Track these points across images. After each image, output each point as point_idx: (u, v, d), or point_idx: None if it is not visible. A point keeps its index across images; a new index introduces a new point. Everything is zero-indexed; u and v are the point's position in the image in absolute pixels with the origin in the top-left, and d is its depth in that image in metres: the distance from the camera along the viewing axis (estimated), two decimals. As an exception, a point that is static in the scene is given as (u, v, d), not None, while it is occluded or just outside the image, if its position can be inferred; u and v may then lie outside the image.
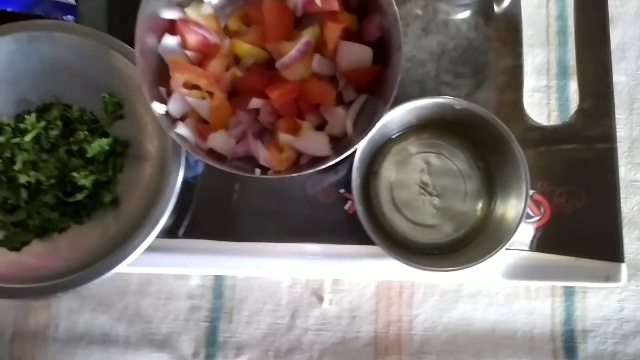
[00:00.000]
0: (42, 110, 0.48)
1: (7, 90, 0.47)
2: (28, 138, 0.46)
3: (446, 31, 0.51)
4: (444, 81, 0.51)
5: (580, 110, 0.48)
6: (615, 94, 0.51)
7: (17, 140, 0.46)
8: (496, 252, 0.42)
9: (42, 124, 0.47)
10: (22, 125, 0.47)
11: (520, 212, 0.43)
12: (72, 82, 0.48)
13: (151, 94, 0.42)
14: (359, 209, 0.44)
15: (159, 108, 0.42)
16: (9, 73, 0.47)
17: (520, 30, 0.51)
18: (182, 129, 0.43)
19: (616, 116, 0.50)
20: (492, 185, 0.47)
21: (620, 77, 0.52)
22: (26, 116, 0.47)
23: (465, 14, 0.52)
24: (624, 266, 0.45)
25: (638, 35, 0.53)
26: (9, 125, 0.47)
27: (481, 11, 0.52)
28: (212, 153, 0.44)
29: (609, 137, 0.47)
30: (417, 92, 0.50)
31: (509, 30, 0.51)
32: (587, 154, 0.47)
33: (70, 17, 0.49)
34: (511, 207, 0.44)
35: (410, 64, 0.51)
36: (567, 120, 0.49)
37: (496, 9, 0.52)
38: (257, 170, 0.42)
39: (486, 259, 0.43)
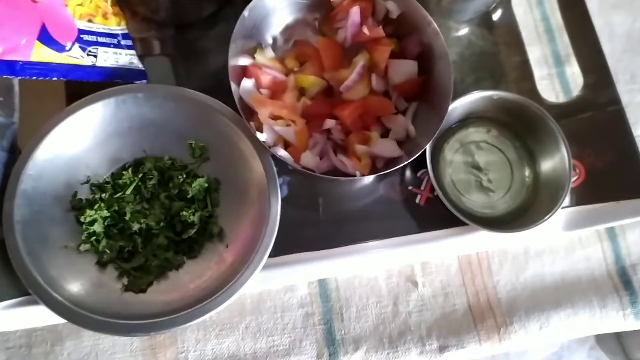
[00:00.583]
0: (136, 165, 0.52)
1: (101, 152, 0.51)
2: (129, 191, 0.50)
3: (461, 43, 0.61)
4: (469, 84, 0.60)
5: (586, 85, 0.59)
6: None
7: (119, 195, 0.50)
8: (557, 208, 0.51)
9: (139, 176, 0.51)
10: (120, 181, 0.51)
11: (567, 169, 0.51)
12: (159, 135, 0.52)
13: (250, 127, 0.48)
14: (440, 193, 0.51)
15: (261, 136, 0.48)
16: (101, 136, 0.51)
17: (519, 32, 0.62)
18: (281, 152, 0.49)
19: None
20: (533, 158, 0.56)
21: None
22: (124, 172, 0.51)
23: (472, 28, 0.62)
24: (654, 198, 0.54)
25: (605, 24, 0.65)
26: (107, 183, 0.51)
27: (483, 23, 0.62)
28: (305, 169, 0.50)
29: (615, 100, 0.58)
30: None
31: (509, 33, 0.62)
32: (602, 116, 0.57)
33: (143, 82, 0.54)
34: (556, 170, 0.53)
35: (439, 72, 0.60)
36: (579, 93, 0.59)
37: (495, 19, 0.62)
38: (358, 172, 0.49)
39: (549, 216, 0.51)
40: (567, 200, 0.54)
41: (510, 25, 0.62)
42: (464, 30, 0.62)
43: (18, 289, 0.45)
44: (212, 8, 0.58)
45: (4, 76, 0.46)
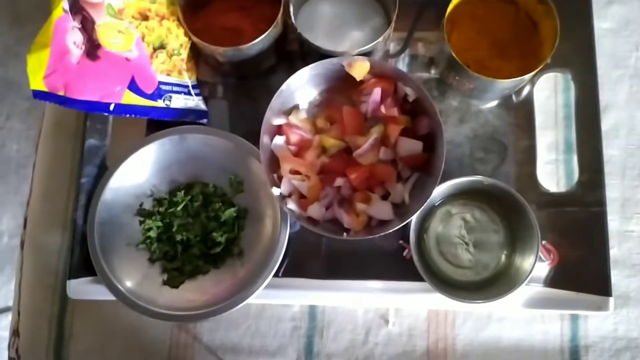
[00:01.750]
0: (188, 188, 0.67)
1: (163, 174, 0.67)
2: (179, 208, 0.66)
3: (477, 120, 0.69)
4: (476, 158, 0.68)
5: (579, 182, 0.64)
6: (610, 164, 0.67)
7: (172, 210, 0.66)
8: (514, 290, 0.59)
9: (188, 197, 0.66)
10: (174, 199, 0.66)
11: (532, 263, 0.59)
12: (209, 167, 0.67)
13: (270, 180, 0.61)
14: (415, 258, 0.61)
15: (275, 191, 0.61)
16: (165, 162, 0.67)
17: (534, 117, 0.68)
18: (291, 205, 0.62)
19: (611, 181, 0.66)
20: (513, 238, 0.64)
21: (614, 151, 0.68)
22: (177, 192, 0.67)
23: (491, 105, 0.69)
24: (611, 299, 0.60)
25: (627, 117, 0.69)
26: (165, 199, 0.67)
27: (503, 104, 0.68)
28: (309, 218, 0.63)
29: (601, 202, 0.63)
30: (457, 167, 0.67)
31: (525, 117, 0.68)
32: (585, 215, 0.63)
33: (204, 120, 0.69)
34: (527, 257, 0.61)
35: (450, 145, 0.68)
36: (571, 188, 0.65)
37: (515, 100, 0.69)
38: (345, 234, 0.61)
39: (508, 294, 0.59)
40: (534, 279, 0.62)
41: (527, 109, 0.68)
42: (483, 108, 0.69)
43: (92, 271, 0.63)
44: (270, 63, 0.70)
45: (103, 113, 0.63)
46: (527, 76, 0.61)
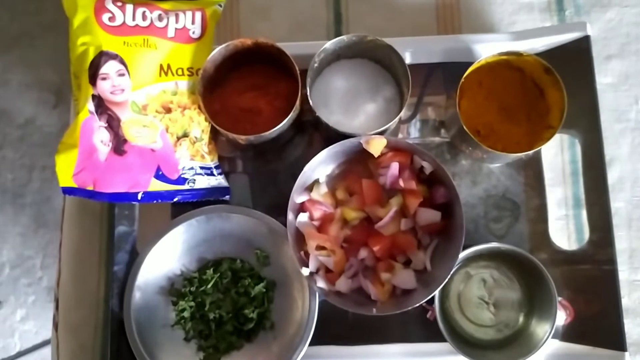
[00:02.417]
0: (216, 265, 0.70)
1: (192, 253, 0.70)
2: (209, 285, 0.68)
3: (489, 181, 0.71)
4: (490, 218, 0.71)
5: (590, 241, 0.68)
6: (617, 217, 0.71)
7: (202, 288, 0.68)
8: (535, 351, 0.63)
9: (217, 274, 0.69)
10: (204, 277, 0.69)
11: (551, 324, 0.63)
12: (235, 243, 0.70)
13: (298, 259, 0.64)
14: (439, 319, 0.65)
15: (305, 271, 0.64)
16: (193, 242, 0.69)
17: (543, 176, 0.71)
18: (320, 282, 0.64)
19: (618, 233, 0.70)
20: (531, 296, 0.67)
21: (620, 204, 0.72)
22: (206, 270, 0.69)
23: (503, 167, 0.72)
24: (627, 354, 0.64)
25: (631, 170, 0.72)
26: (195, 277, 0.69)
27: (513, 164, 0.71)
28: (337, 292, 0.65)
29: (612, 261, 0.66)
30: (473, 227, 0.70)
31: (534, 176, 0.71)
32: (597, 272, 0.67)
33: (227, 196, 0.71)
34: (545, 316, 0.64)
35: (465, 207, 0.70)
36: (582, 246, 0.68)
37: (524, 159, 0.72)
38: (374, 309, 0.64)
39: (530, 356, 0.63)
40: (553, 334, 0.66)
41: (536, 167, 0.71)
42: (494, 168, 0.72)
43: (131, 355, 0.65)
44: (288, 137, 0.72)
45: (131, 202, 0.65)
46: (537, 149, 0.64)
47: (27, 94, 1.68)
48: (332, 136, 0.66)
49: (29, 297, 1.59)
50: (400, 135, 0.73)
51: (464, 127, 0.64)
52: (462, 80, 0.65)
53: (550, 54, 0.70)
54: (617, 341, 0.65)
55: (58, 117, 1.64)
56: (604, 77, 0.74)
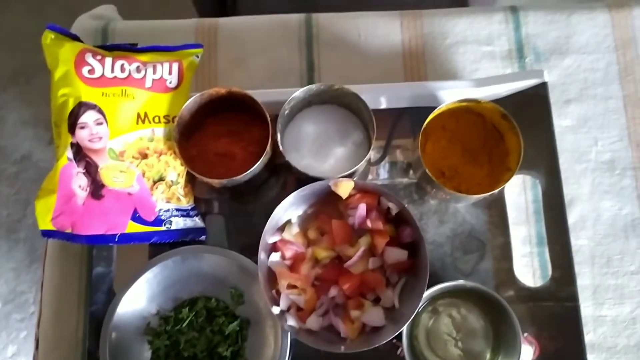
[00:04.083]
0: (192, 304, 0.72)
1: (167, 293, 0.72)
2: (185, 324, 0.70)
3: (455, 220, 0.74)
4: (456, 257, 0.73)
5: (552, 278, 0.70)
6: (579, 254, 0.73)
7: (178, 327, 0.70)
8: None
9: (193, 313, 0.71)
10: (179, 316, 0.71)
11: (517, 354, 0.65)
12: (210, 282, 0.72)
13: (269, 298, 0.66)
14: (407, 357, 0.66)
15: (275, 310, 0.66)
16: (169, 282, 0.71)
17: (506, 216, 0.74)
18: (290, 321, 0.66)
19: (582, 270, 0.72)
20: (497, 333, 0.69)
21: (583, 241, 0.74)
22: (182, 309, 0.71)
23: (468, 207, 0.74)
24: (590, 388, 0.66)
25: (592, 209, 0.75)
26: (171, 316, 0.71)
27: (478, 203, 0.74)
28: (308, 330, 0.67)
29: (574, 298, 0.68)
30: (440, 265, 0.73)
31: (498, 215, 0.74)
32: (560, 309, 0.69)
33: (203, 237, 0.73)
34: (510, 353, 0.66)
35: (432, 246, 0.73)
36: (545, 283, 0.70)
37: (488, 198, 0.75)
38: (342, 347, 0.65)
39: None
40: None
41: (500, 207, 0.74)
42: (460, 207, 0.74)
43: (106, 395, 0.67)
44: (262, 180, 0.75)
45: (108, 244, 0.68)
46: (496, 190, 0.67)
47: (23, 130, 1.72)
48: (303, 179, 0.69)
49: (21, 333, 1.59)
50: (370, 177, 0.77)
51: (427, 171, 0.67)
52: (425, 125, 0.69)
53: (511, 99, 0.74)
54: (582, 377, 0.67)
55: (53, 153, 1.68)
56: (564, 120, 0.78)
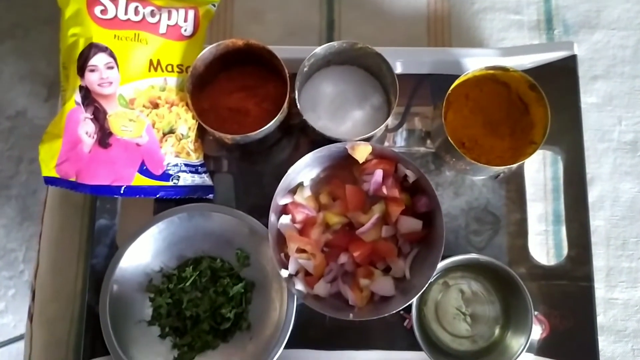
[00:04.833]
0: (196, 263, 0.69)
1: (172, 250, 0.69)
2: (188, 283, 0.68)
3: (471, 193, 0.72)
4: (471, 230, 0.71)
5: (568, 257, 0.68)
6: (596, 235, 0.72)
7: (181, 285, 0.68)
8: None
9: (197, 272, 0.69)
10: (183, 275, 0.69)
11: (526, 337, 0.63)
12: (216, 242, 0.69)
13: (278, 261, 0.64)
14: (415, 328, 0.65)
15: (284, 273, 0.64)
16: (174, 239, 0.69)
17: (524, 191, 0.72)
18: (298, 285, 0.64)
19: (596, 251, 0.70)
20: (507, 310, 0.68)
21: (600, 222, 0.72)
22: (186, 268, 0.69)
23: (485, 180, 0.72)
24: (599, 368, 0.65)
25: (611, 189, 0.73)
26: (174, 275, 0.69)
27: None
28: (315, 296, 0.66)
29: (588, 278, 0.67)
30: (453, 238, 0.71)
31: (516, 190, 0.72)
32: (574, 288, 0.67)
33: (210, 195, 0.71)
34: (520, 330, 0.65)
35: (447, 218, 0.71)
36: (560, 262, 0.69)
37: (507, 173, 0.72)
38: (350, 314, 0.64)
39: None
40: (528, 348, 0.66)
41: (518, 182, 0.72)
42: (477, 181, 0.72)
43: (105, 350, 0.65)
44: (274, 139, 0.72)
45: (113, 196, 0.65)
46: (516, 165, 0.64)
47: (19, 85, 1.67)
48: (319, 140, 0.66)
49: (9, 291, 1.57)
50: (386, 144, 0.74)
51: (449, 139, 0.64)
52: (449, 92, 0.66)
53: (538, 72, 0.71)
54: (591, 358, 0.65)
55: (49, 110, 1.64)
56: (589, 97, 0.75)
